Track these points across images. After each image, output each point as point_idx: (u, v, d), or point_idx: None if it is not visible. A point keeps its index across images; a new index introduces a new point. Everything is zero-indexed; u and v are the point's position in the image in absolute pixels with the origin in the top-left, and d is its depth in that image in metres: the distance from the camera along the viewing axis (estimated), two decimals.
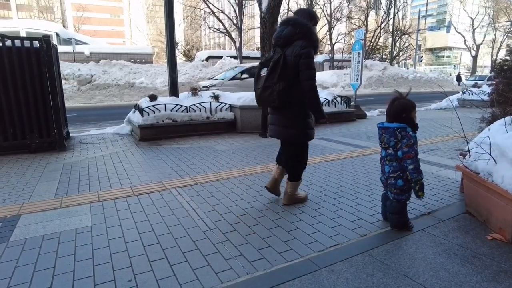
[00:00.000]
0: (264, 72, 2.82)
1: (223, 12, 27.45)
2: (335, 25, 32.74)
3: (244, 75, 12.19)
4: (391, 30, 34.49)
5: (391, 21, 33.86)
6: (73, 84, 15.87)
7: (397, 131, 2.28)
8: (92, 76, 16.40)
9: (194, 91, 7.23)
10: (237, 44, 24.99)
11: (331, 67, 30.01)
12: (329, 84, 22.20)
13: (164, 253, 2.21)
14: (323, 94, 8.12)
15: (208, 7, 25.41)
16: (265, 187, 3.14)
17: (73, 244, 2.36)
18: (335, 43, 31.33)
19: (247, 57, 25.46)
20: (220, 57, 20.98)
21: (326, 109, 7.71)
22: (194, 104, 6.67)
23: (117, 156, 4.91)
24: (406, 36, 36.98)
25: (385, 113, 2.46)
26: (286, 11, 24.66)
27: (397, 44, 37.36)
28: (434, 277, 1.92)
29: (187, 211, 2.90)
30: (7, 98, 5.01)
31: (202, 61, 21.10)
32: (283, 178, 3.11)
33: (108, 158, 4.80)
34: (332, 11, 32.05)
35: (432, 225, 2.57)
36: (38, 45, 5.21)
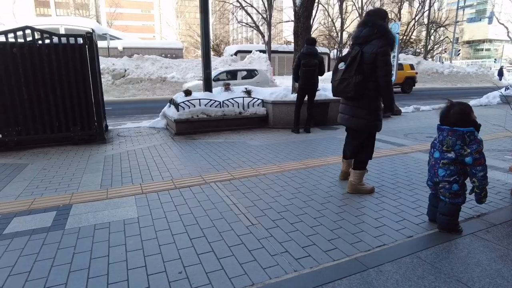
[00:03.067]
0: (341, 66, 3.08)
1: (252, 6, 27.40)
2: None
3: (222, 76, 13.20)
4: (426, 22, 33.06)
5: (426, 13, 32.44)
6: (108, 78, 16.44)
7: (466, 135, 2.20)
8: (125, 70, 16.93)
9: (227, 86, 7.29)
10: (266, 38, 24.91)
11: None
12: None
13: (210, 246, 2.27)
14: None
15: (238, 1, 25.45)
16: (340, 180, 3.55)
17: (122, 234, 2.47)
18: None
19: (276, 51, 25.33)
20: (249, 52, 20.97)
21: None
22: (227, 99, 6.73)
23: (155, 150, 5.06)
24: (442, 28, 35.34)
25: (440, 119, 2.35)
26: (317, 4, 24.23)
27: (432, 37, 35.80)
28: (491, 284, 1.84)
29: (228, 205, 2.95)
30: (54, 93, 5.28)
31: (231, 55, 21.21)
32: (350, 167, 3.36)
33: (147, 151, 4.95)
34: (363, 4, 31.19)
35: (484, 229, 2.47)
36: (81, 41, 5.44)
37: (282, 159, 4.46)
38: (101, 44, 23.47)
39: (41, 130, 5.32)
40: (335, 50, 32.04)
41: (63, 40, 5.32)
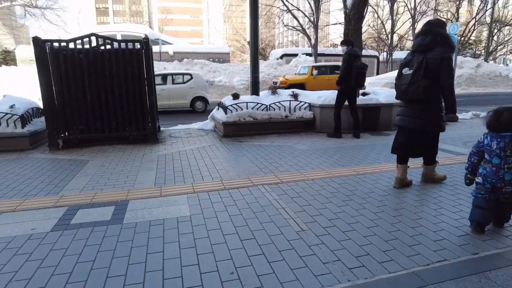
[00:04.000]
0: (405, 71, 3.32)
1: (298, 9, 27.32)
2: (419, 19, 30.25)
3: None
4: (488, 21, 30.61)
5: (488, 11, 30.02)
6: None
7: None
8: None
9: (274, 90, 7.31)
10: (312, 41, 24.66)
11: None
12: None
13: (261, 249, 2.27)
14: None
15: (284, 4, 25.51)
16: (394, 187, 3.48)
17: (176, 232, 2.56)
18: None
19: (322, 54, 24.97)
20: (295, 55, 20.91)
21: None
22: (274, 103, 6.75)
23: (204, 151, 5.20)
24: (508, 27, 32.49)
25: (489, 127, 2.45)
26: (367, 6, 23.55)
27: (495, 37, 33.05)
28: None
29: (277, 209, 2.93)
30: (113, 95, 5.65)
31: (277, 59, 21.28)
32: (406, 174, 3.50)
33: (197, 152, 5.11)
34: (416, 4, 29.71)
35: None
36: (138, 46, 5.76)
37: (331, 164, 4.36)
38: (153, 49, 24.80)
39: (100, 129, 5.71)
40: (385, 53, 30.82)
41: (122, 45, 5.69)
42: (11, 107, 5.64)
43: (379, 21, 31.98)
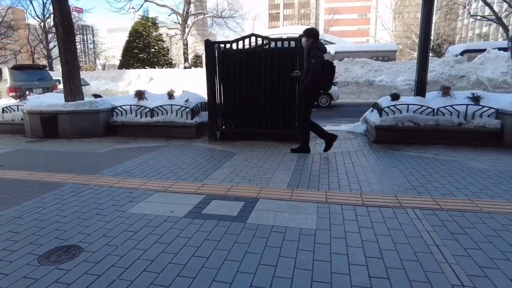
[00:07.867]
0: None
1: None
2: None
3: None
4: None
5: None
6: None
7: None
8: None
9: (446, 91, 6.00)
10: (511, 33, 19.65)
11: None
12: None
13: None
14: None
15: None
16: None
17: (295, 245, 2.26)
18: None
19: None
20: (481, 51, 17.06)
21: None
22: (443, 107, 5.52)
23: (348, 156, 4.71)
24: None
25: None
26: None
27: None
28: None
29: (428, 245, 2.23)
30: (265, 93, 5.81)
31: (456, 56, 17.92)
32: None
33: (339, 157, 4.67)
34: None
35: None
36: (293, 45, 5.72)
37: None
38: None
39: (251, 125, 6.00)
40: None
41: (284, 45, 5.77)
42: (186, 101, 6.61)
43: None
